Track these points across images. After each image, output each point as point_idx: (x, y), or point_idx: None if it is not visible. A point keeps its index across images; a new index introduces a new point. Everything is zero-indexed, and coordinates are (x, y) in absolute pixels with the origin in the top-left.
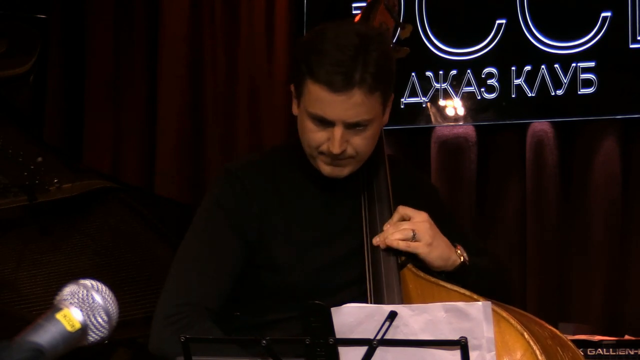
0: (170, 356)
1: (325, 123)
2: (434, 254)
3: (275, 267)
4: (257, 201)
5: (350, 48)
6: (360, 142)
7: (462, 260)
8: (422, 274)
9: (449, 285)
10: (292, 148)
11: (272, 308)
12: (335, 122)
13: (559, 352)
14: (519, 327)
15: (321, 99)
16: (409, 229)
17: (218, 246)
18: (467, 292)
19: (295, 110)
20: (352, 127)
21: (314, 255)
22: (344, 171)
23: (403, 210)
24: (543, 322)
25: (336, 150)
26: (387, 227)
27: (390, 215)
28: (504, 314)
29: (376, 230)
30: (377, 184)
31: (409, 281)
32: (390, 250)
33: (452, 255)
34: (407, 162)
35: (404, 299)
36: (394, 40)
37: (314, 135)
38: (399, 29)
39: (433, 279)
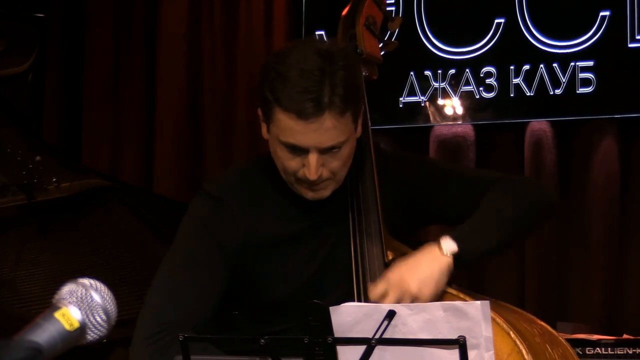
0: None
1: (298, 150)
2: (427, 294)
3: (259, 283)
4: (242, 221)
5: (314, 72)
6: (336, 164)
7: (452, 257)
8: None
9: None
10: (271, 161)
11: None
12: (310, 149)
13: (548, 350)
14: (505, 326)
15: (291, 127)
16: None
17: (201, 264)
18: (454, 292)
19: (265, 134)
20: (327, 151)
21: (300, 270)
22: (326, 193)
23: (374, 296)
24: (534, 318)
25: (313, 177)
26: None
27: (379, 225)
28: (491, 313)
29: (364, 245)
30: (364, 194)
31: None
32: (379, 262)
33: (442, 273)
34: (390, 151)
35: None
36: (384, 37)
37: (289, 163)
38: (389, 21)
39: None
